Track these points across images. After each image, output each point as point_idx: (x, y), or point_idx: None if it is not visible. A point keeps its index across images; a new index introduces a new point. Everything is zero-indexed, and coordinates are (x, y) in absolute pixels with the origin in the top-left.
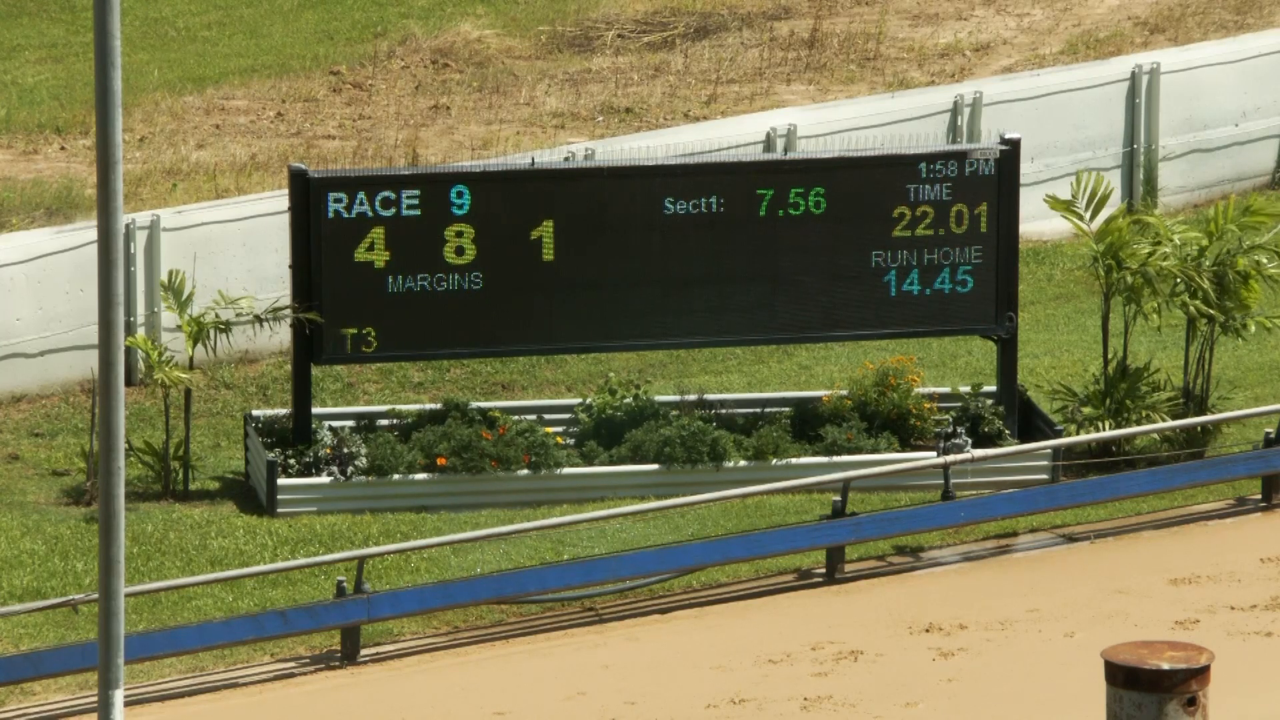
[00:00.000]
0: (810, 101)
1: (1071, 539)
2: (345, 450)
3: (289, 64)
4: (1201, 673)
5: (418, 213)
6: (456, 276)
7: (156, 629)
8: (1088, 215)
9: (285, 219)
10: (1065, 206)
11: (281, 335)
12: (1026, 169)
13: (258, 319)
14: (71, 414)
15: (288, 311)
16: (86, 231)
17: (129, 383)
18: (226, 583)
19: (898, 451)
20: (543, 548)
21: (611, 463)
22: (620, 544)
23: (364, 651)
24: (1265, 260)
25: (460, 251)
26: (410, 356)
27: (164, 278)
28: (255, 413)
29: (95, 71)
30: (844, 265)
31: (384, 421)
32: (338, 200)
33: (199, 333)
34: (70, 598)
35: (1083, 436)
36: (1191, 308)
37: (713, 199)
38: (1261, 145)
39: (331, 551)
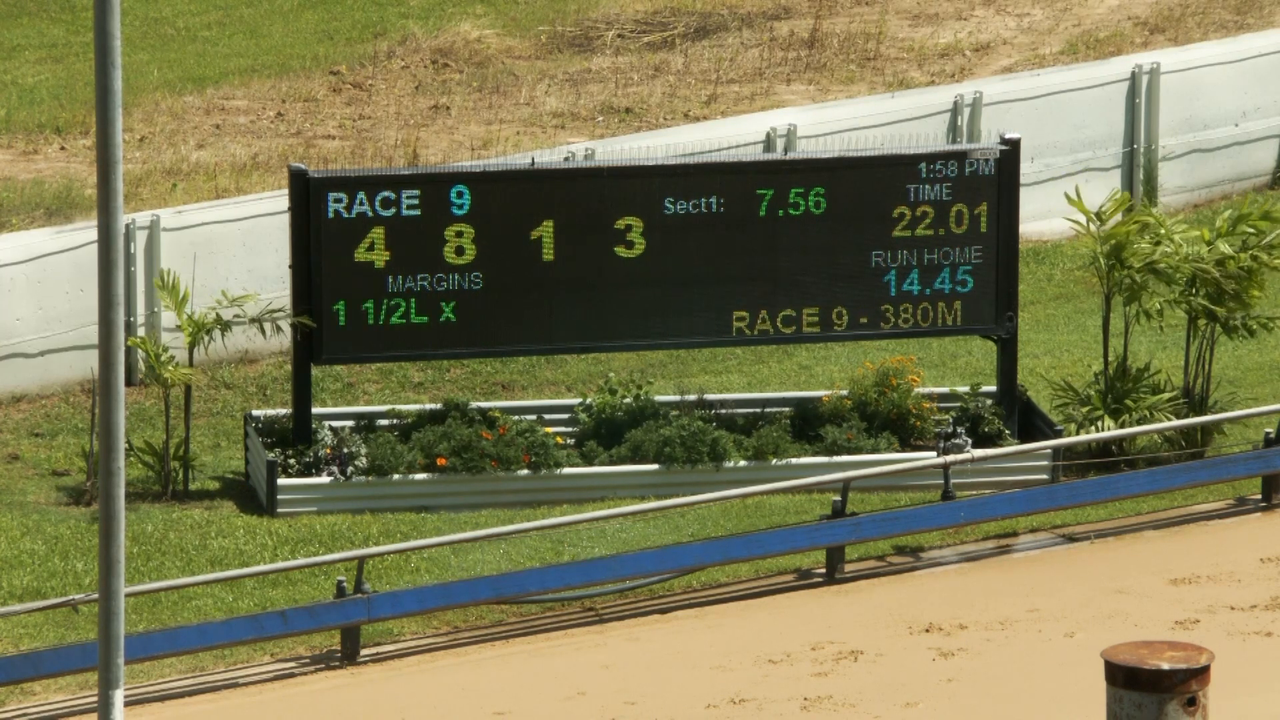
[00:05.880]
0: (810, 101)
1: (1071, 539)
2: (345, 450)
3: (289, 64)
4: (1201, 673)
5: (418, 213)
6: (456, 276)
7: (156, 629)
8: (1097, 221)
9: (285, 219)
10: (1081, 205)
11: (281, 335)
12: (1026, 169)
13: (255, 322)
14: (71, 414)
15: (284, 313)
16: (86, 231)
17: (129, 383)
18: (226, 583)
19: (898, 451)
20: (543, 548)
21: (611, 463)
22: (620, 544)
23: (364, 651)
24: (1268, 256)
25: (460, 251)
26: (410, 356)
27: (158, 277)
28: (255, 413)
29: (95, 71)
30: (844, 265)
31: (384, 421)
32: (338, 200)
33: (198, 333)
34: (70, 598)
35: (1083, 436)
36: (1195, 305)
37: (713, 199)
38: (1261, 145)
39: (331, 551)
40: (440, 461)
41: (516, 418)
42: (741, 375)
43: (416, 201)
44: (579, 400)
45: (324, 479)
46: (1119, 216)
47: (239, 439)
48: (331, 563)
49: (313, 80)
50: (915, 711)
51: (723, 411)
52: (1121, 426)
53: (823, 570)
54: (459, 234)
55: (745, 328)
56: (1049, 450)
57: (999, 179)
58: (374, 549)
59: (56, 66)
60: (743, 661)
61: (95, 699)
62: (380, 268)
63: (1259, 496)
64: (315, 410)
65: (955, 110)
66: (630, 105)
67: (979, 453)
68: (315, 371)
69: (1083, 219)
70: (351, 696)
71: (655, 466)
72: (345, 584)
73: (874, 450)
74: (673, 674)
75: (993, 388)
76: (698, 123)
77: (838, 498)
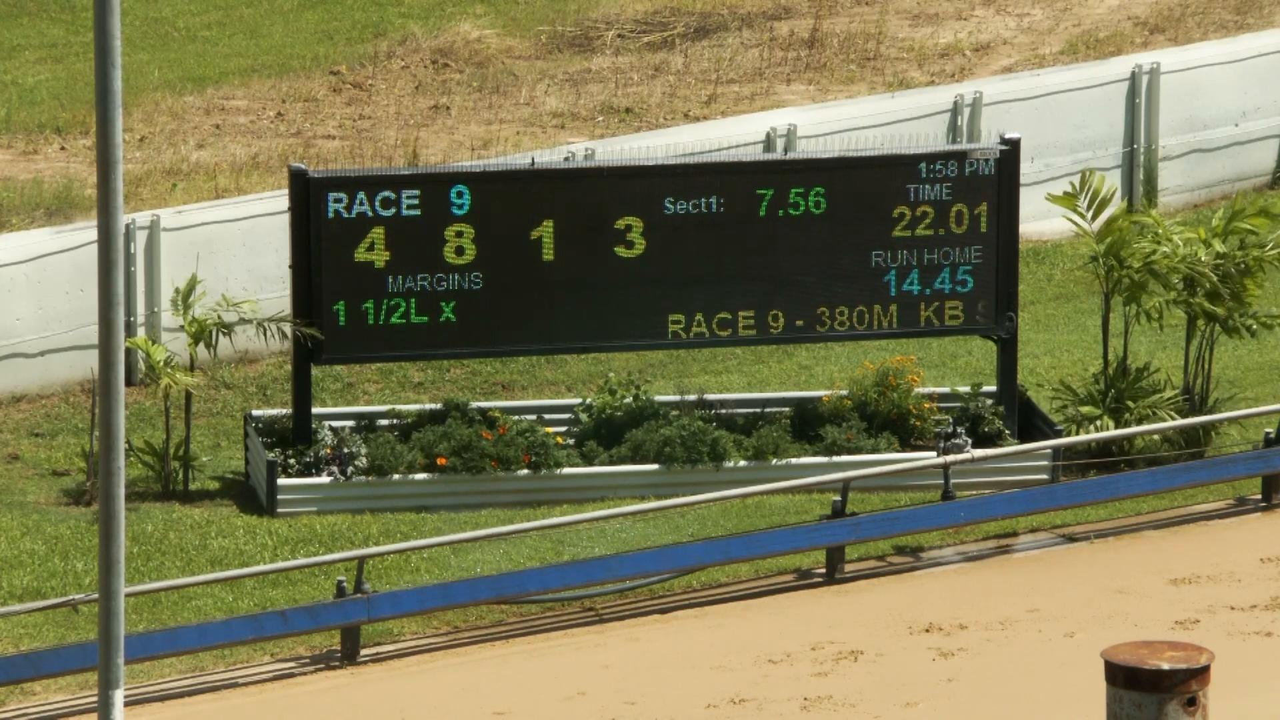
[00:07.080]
0: (810, 101)
1: (1071, 539)
2: (345, 450)
3: (289, 64)
4: (1201, 673)
5: (418, 213)
6: (456, 276)
7: (156, 629)
8: (1089, 215)
9: (285, 219)
10: (1069, 203)
11: (284, 338)
12: (1026, 169)
13: (260, 325)
14: (71, 414)
15: (287, 318)
16: (86, 231)
17: (129, 383)
18: (226, 583)
19: (898, 451)
20: (543, 548)
21: (611, 463)
22: (620, 544)
23: (364, 651)
24: (1266, 251)
25: (460, 251)
26: (410, 356)
27: (178, 284)
28: (255, 413)
29: (95, 71)
30: (844, 265)
31: (384, 421)
32: (338, 200)
33: (200, 334)
34: (70, 598)
35: (1083, 436)
36: (1194, 305)
37: (713, 199)
38: (1261, 145)
39: (331, 551)
40: (440, 461)
41: (516, 418)
42: (741, 375)
43: (416, 201)
44: (579, 400)
45: (324, 479)
46: (1113, 207)
47: (239, 439)
48: (331, 563)
49: (313, 80)
50: (915, 711)
51: (723, 411)
52: (1121, 426)
53: (823, 570)
54: (459, 234)
55: (745, 328)
56: (1049, 450)
57: (999, 179)
58: (374, 549)
59: (56, 66)
60: (743, 661)
61: (95, 699)
62: (380, 268)
63: (1259, 496)
64: (315, 410)
65: (955, 110)
66: (630, 105)
67: (979, 453)
68: (315, 371)
69: (1075, 216)
70: (351, 696)
71: (655, 466)
72: (345, 584)
73: (874, 450)
74: (673, 674)
75: (993, 388)
76: (698, 123)
77: (838, 498)
